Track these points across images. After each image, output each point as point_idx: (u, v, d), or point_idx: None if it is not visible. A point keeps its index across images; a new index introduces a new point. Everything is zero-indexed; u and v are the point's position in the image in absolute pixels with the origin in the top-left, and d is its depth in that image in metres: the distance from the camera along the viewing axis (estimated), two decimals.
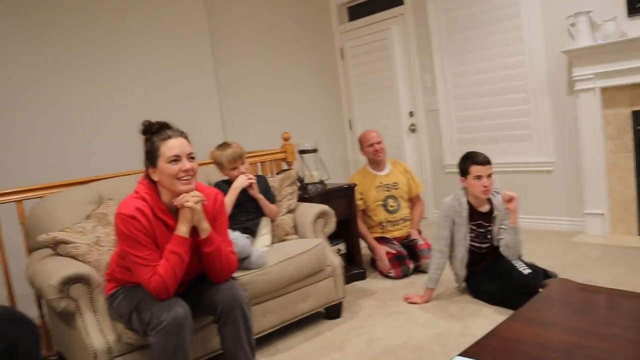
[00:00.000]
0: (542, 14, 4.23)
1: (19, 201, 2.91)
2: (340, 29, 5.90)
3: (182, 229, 2.06)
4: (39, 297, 2.70)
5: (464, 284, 3.19)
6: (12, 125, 3.69)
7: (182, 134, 2.12)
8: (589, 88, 3.94)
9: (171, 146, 2.04)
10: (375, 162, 3.91)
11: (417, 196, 4.02)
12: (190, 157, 2.09)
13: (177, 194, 2.07)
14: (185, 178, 2.05)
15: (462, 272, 3.10)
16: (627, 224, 4.00)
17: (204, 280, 2.25)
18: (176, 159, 2.04)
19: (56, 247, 2.43)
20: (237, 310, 2.13)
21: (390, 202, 3.85)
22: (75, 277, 2.18)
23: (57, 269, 2.20)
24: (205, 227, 2.12)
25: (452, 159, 5.01)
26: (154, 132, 2.09)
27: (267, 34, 5.29)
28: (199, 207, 2.08)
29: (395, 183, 3.89)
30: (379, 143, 3.86)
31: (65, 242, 2.41)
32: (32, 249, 2.73)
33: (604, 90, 3.91)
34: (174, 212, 2.12)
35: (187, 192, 2.07)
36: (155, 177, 2.08)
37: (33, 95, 3.77)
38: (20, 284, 2.87)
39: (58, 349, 2.68)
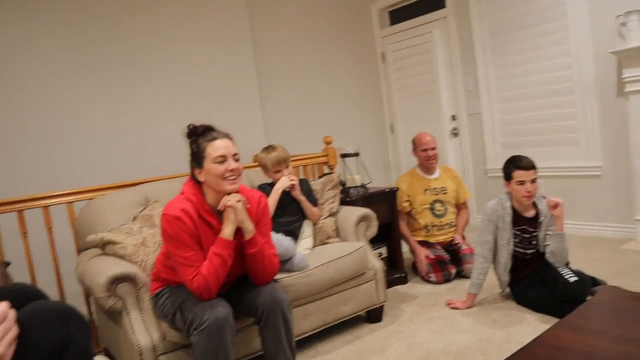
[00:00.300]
0: (590, 14, 4.11)
1: (69, 203, 3.02)
2: (381, 33, 5.89)
3: (227, 232, 2.10)
4: (88, 294, 2.79)
5: (507, 290, 3.13)
6: (62, 129, 3.83)
7: (227, 135, 2.16)
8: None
9: (217, 147, 2.08)
10: (426, 166, 3.88)
11: (464, 203, 3.97)
12: (236, 158, 2.12)
13: (223, 194, 2.11)
14: (231, 178, 2.09)
15: (506, 278, 3.04)
16: None
17: (246, 282, 2.27)
18: (222, 159, 2.08)
19: (104, 247, 2.51)
20: (277, 313, 2.15)
21: (438, 206, 3.81)
22: (122, 277, 2.24)
23: (105, 269, 2.27)
24: (249, 228, 2.15)
25: (495, 163, 4.93)
26: (199, 134, 2.13)
27: (309, 39, 5.33)
28: (240, 205, 2.11)
29: (443, 188, 3.85)
30: (433, 149, 3.82)
31: (113, 243, 2.49)
32: (81, 248, 2.83)
33: None
34: (219, 213, 2.16)
35: (233, 191, 2.11)
36: (201, 178, 2.12)
37: (82, 99, 3.91)
38: (70, 282, 2.98)
39: (105, 345, 2.75)
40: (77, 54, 3.88)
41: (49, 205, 2.95)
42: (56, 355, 1.08)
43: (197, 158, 2.12)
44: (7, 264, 2.71)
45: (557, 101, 4.44)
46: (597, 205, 4.34)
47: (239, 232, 2.15)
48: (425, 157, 3.82)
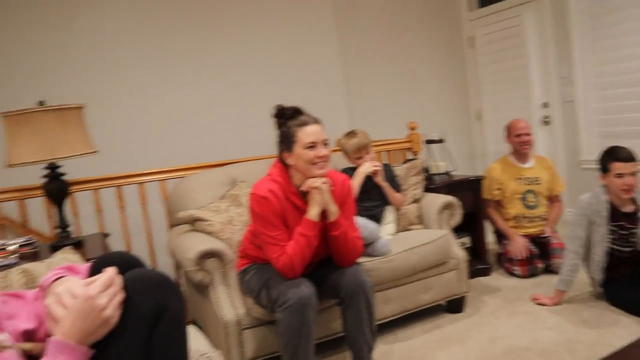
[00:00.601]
0: None
1: (162, 180, 3.17)
2: (469, 17, 5.69)
3: (313, 213, 2.12)
4: (178, 268, 2.93)
5: (600, 289, 2.96)
6: (156, 111, 4.02)
7: (317, 121, 2.17)
8: None
9: (308, 132, 2.10)
10: (520, 153, 3.71)
11: (557, 196, 3.77)
12: (325, 144, 2.14)
13: (310, 177, 2.13)
14: (321, 163, 2.11)
15: (599, 276, 2.87)
16: None
17: (330, 264, 2.29)
18: (312, 145, 2.09)
19: (193, 223, 2.62)
20: (360, 295, 2.16)
21: (530, 196, 3.65)
22: (211, 252, 2.33)
23: (195, 244, 2.37)
24: (333, 210, 2.17)
25: (590, 154, 4.65)
26: (288, 117, 2.16)
27: (394, 23, 5.25)
28: (325, 187, 2.12)
29: (537, 178, 3.67)
30: (527, 135, 3.65)
31: (202, 220, 2.59)
32: (173, 224, 2.97)
33: None
34: (304, 194, 2.19)
35: (322, 176, 2.13)
36: (290, 162, 2.16)
37: (176, 85, 4.08)
38: (161, 255, 3.14)
39: (192, 318, 2.88)
40: (173, 34, 4.05)
41: (144, 182, 3.12)
42: (153, 320, 1.14)
43: (286, 142, 2.15)
44: (107, 235, 2.90)
45: None
46: None
47: (323, 214, 2.17)
48: (520, 142, 3.64)
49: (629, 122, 4.40)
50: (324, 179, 2.14)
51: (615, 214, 2.79)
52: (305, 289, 2.05)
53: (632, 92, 4.33)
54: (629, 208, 2.79)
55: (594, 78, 4.59)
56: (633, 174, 2.69)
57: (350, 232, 2.22)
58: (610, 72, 4.46)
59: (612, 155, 2.74)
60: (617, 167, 2.69)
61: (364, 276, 2.21)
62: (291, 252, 2.08)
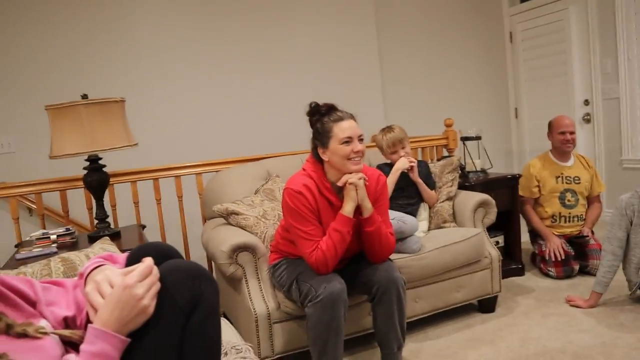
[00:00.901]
0: None
1: (198, 174, 3.23)
2: (510, 11, 5.58)
3: (347, 209, 2.13)
4: (211, 260, 2.98)
5: (638, 292, 2.88)
6: (192, 106, 4.08)
7: (352, 116, 2.17)
8: None
9: (344, 128, 2.11)
10: (562, 151, 3.63)
11: (597, 196, 3.68)
12: (360, 139, 2.14)
13: (345, 173, 2.14)
14: (357, 158, 2.12)
15: (637, 279, 2.80)
16: None
17: (362, 259, 2.30)
18: (348, 140, 2.10)
19: (228, 217, 2.66)
20: (392, 291, 2.16)
21: (569, 195, 3.57)
22: (244, 246, 2.37)
23: (229, 237, 2.41)
24: (367, 206, 2.17)
25: (633, 154, 4.52)
26: (323, 113, 2.17)
27: (432, 17, 5.20)
28: (361, 183, 2.13)
29: (577, 177, 3.59)
30: (572, 133, 3.55)
31: (236, 213, 2.63)
32: (207, 217, 3.02)
33: None
34: (339, 190, 2.20)
35: (357, 171, 2.14)
36: (325, 157, 2.17)
37: (213, 80, 4.14)
38: (195, 247, 3.20)
39: (223, 310, 2.93)
40: (209, 30, 4.11)
41: (180, 175, 3.19)
42: (188, 310, 1.16)
43: (322, 138, 2.15)
44: (143, 226, 2.97)
45: None
46: None
47: (357, 209, 2.17)
48: (563, 140, 3.55)
49: None
50: (360, 175, 2.15)
51: None
52: (337, 284, 2.06)
53: None
54: None
55: (639, 75, 4.45)
56: None
57: (383, 228, 2.22)
58: None
59: None
60: None
61: (397, 272, 2.21)
62: (324, 247, 2.09)
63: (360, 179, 2.13)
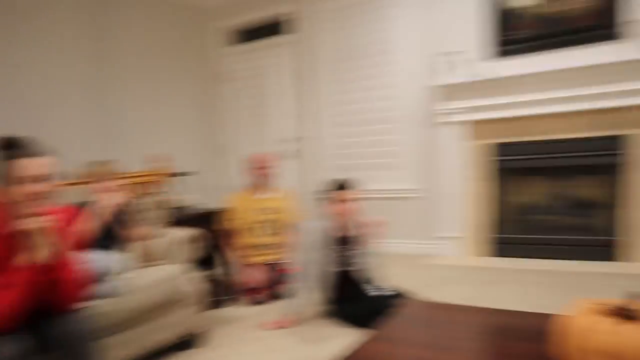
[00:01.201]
0: (415, 50, 4.58)
1: None
2: (220, 53, 5.90)
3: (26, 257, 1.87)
4: None
5: (329, 307, 3.19)
6: None
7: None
8: (452, 121, 4.30)
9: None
10: (259, 184, 3.89)
11: (294, 225, 4.01)
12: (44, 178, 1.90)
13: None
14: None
15: (327, 295, 3.14)
16: (481, 246, 4.41)
17: (44, 312, 2.02)
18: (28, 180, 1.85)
19: None
20: (76, 346, 1.96)
21: (267, 226, 3.82)
22: None
23: None
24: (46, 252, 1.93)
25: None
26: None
27: (150, 56, 5.19)
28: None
29: (275, 208, 3.88)
30: (264, 168, 3.84)
31: None
32: None
33: (466, 123, 4.29)
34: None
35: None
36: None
37: None
38: None
39: None
40: None
41: None
42: None
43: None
44: None
45: (383, 128, 4.85)
46: (410, 224, 4.81)
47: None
48: (258, 175, 3.84)
49: (356, 157, 5.03)
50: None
51: (337, 238, 3.10)
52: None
53: (357, 131, 5.00)
54: (346, 232, 3.12)
55: (332, 117, 5.17)
56: (350, 201, 3.03)
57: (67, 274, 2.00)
58: (343, 112, 5.11)
59: (333, 185, 3.07)
60: (338, 194, 3.02)
61: (81, 324, 2.01)
62: None
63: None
